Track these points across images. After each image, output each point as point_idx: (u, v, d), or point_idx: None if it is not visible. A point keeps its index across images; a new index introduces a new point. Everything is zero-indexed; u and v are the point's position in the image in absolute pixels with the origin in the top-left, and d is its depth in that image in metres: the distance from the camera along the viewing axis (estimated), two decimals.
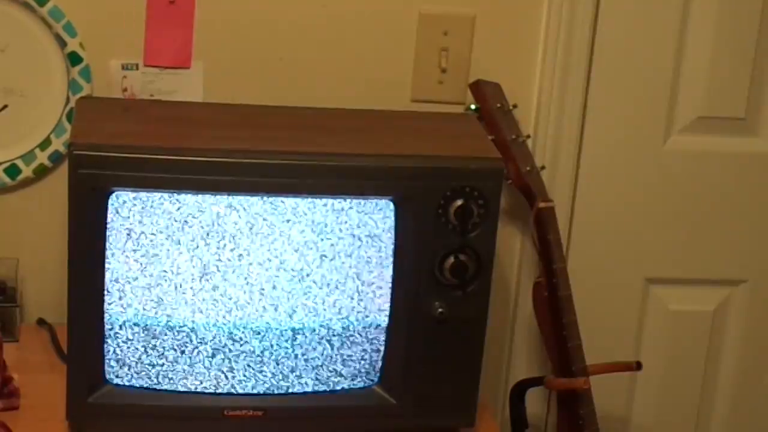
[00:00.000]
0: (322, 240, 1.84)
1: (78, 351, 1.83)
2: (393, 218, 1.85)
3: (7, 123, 2.12)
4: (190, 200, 1.79)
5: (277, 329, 1.87)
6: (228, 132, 1.91)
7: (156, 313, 1.83)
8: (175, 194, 1.78)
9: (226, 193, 1.79)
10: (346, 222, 1.84)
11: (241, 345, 1.87)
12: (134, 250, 1.80)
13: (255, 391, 1.89)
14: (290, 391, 1.90)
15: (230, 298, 1.84)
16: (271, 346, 1.87)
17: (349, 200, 1.83)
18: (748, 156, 2.33)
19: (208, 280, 1.83)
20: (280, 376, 1.89)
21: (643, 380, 2.40)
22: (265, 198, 1.80)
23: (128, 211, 1.78)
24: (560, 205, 2.19)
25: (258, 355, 1.87)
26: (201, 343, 1.86)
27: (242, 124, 1.96)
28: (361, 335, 1.90)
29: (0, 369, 1.93)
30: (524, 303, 2.30)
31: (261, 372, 1.88)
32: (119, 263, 1.80)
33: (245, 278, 1.83)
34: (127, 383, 1.86)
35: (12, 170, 2.13)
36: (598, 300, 2.32)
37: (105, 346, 1.83)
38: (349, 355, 1.90)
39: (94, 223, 1.78)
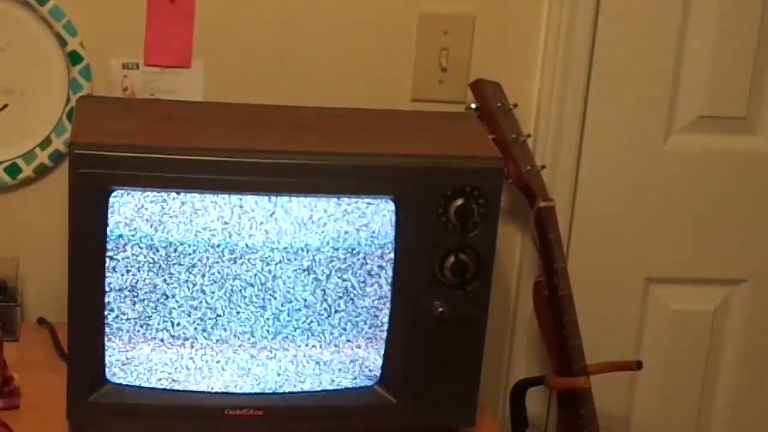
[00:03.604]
0: (321, 239, 1.84)
1: (78, 350, 1.83)
2: (393, 218, 1.85)
3: (7, 122, 2.12)
4: (190, 199, 1.79)
5: (276, 328, 1.87)
6: (228, 131, 1.91)
7: (156, 312, 1.83)
8: (175, 193, 1.78)
9: (227, 192, 1.79)
10: (346, 221, 1.84)
11: (241, 344, 1.87)
12: (135, 249, 1.80)
13: (255, 391, 1.89)
14: (290, 391, 1.90)
15: (230, 297, 1.84)
16: (271, 345, 1.87)
17: (349, 200, 1.83)
18: (748, 156, 2.33)
19: (208, 279, 1.83)
20: (280, 376, 1.89)
21: (643, 380, 2.40)
22: (264, 197, 1.80)
23: (128, 210, 1.78)
24: (560, 204, 2.19)
25: (258, 355, 1.87)
26: (201, 342, 1.85)
27: (242, 123, 1.96)
28: (361, 334, 1.90)
29: (0, 368, 1.93)
30: (524, 302, 2.30)
31: (261, 372, 1.88)
32: (119, 262, 1.80)
33: (245, 277, 1.83)
34: (127, 383, 1.86)
35: (12, 169, 2.13)
36: (599, 299, 2.32)
37: (105, 345, 1.83)
38: (349, 355, 1.90)
39: (94, 222, 1.78)
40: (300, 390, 1.91)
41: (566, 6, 2.19)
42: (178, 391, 1.87)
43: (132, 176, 1.77)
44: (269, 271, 1.84)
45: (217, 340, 1.86)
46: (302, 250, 1.83)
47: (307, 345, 1.88)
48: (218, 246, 1.81)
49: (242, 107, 2.04)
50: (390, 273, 1.87)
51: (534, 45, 2.23)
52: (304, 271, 1.85)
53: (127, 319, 1.83)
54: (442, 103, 2.20)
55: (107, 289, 1.81)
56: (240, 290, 1.84)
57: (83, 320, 1.81)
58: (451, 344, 1.90)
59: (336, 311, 1.88)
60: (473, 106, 2.14)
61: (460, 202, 1.84)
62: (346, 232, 1.84)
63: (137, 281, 1.81)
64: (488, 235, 1.88)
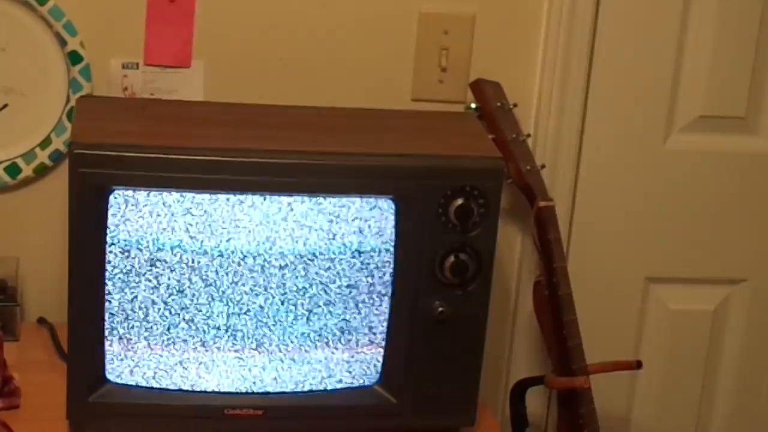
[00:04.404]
0: (321, 239, 1.84)
1: (78, 350, 1.83)
2: (393, 217, 1.85)
3: (7, 122, 2.12)
4: (190, 199, 1.79)
5: (276, 328, 1.87)
6: (228, 131, 1.91)
7: (156, 311, 1.83)
8: (175, 193, 1.78)
9: (227, 192, 1.79)
10: (346, 221, 1.84)
11: (242, 344, 1.87)
12: (135, 249, 1.80)
13: (255, 391, 1.89)
14: (290, 390, 1.90)
15: (230, 297, 1.84)
16: (271, 344, 1.87)
17: (349, 199, 1.83)
18: (748, 156, 2.33)
19: (208, 279, 1.83)
20: (280, 375, 1.89)
21: (643, 379, 2.40)
22: (265, 197, 1.80)
23: (129, 210, 1.78)
24: (560, 204, 2.19)
25: (258, 355, 1.87)
26: (201, 342, 1.86)
27: (242, 123, 1.96)
28: (361, 334, 1.90)
29: (0, 368, 1.93)
30: (524, 302, 2.30)
31: (261, 371, 1.88)
32: (119, 262, 1.80)
33: (245, 276, 1.83)
34: (127, 382, 1.86)
35: (12, 169, 2.13)
36: (599, 299, 2.32)
37: (105, 345, 1.83)
38: (349, 355, 1.90)
39: (94, 222, 1.78)
40: (300, 390, 1.91)
41: (566, 6, 2.19)
42: (178, 391, 1.87)
43: (132, 176, 1.77)
44: (269, 272, 1.84)
45: (217, 340, 1.86)
46: (302, 250, 1.83)
47: (307, 345, 1.88)
48: (218, 246, 1.81)
49: (242, 107, 2.04)
50: (390, 273, 1.87)
51: (534, 45, 2.23)
52: (304, 271, 1.85)
53: (127, 319, 1.83)
54: (442, 103, 2.20)
55: (107, 288, 1.81)
56: (240, 290, 1.84)
57: (83, 320, 1.81)
58: (451, 344, 1.90)
59: (336, 311, 1.88)
60: (473, 106, 2.14)
61: (460, 202, 1.84)
62: (345, 232, 1.84)
63: (137, 281, 1.81)
64: (488, 235, 1.88)
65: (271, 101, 2.09)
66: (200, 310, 1.84)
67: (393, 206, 1.85)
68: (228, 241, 1.81)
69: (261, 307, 1.85)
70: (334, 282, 1.86)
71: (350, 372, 1.91)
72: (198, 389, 1.88)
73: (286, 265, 1.84)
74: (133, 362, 1.85)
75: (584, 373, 2.10)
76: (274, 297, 1.85)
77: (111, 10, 2.11)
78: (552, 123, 2.24)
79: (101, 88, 2.13)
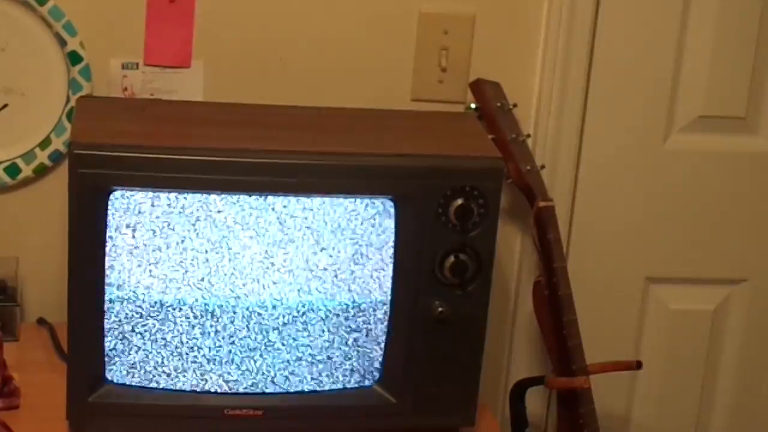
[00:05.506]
0: (321, 239, 1.84)
1: (78, 350, 1.83)
2: (393, 217, 1.85)
3: (7, 122, 2.12)
4: (190, 199, 1.79)
5: (277, 328, 1.87)
6: (228, 131, 1.91)
7: (157, 312, 1.83)
8: (175, 193, 1.78)
9: (227, 192, 1.79)
10: (345, 221, 1.84)
11: (241, 345, 1.87)
12: (134, 250, 1.80)
13: (255, 391, 1.89)
14: (290, 390, 1.90)
15: (231, 298, 1.84)
16: (272, 345, 1.87)
17: (349, 199, 1.83)
18: (748, 156, 2.33)
19: (208, 280, 1.83)
20: (280, 376, 1.89)
21: (643, 380, 2.40)
22: (264, 197, 1.80)
23: (128, 211, 1.78)
24: (560, 204, 2.19)
25: (258, 355, 1.87)
26: (201, 342, 1.85)
27: (242, 123, 1.96)
28: (361, 334, 1.90)
29: (0, 368, 1.93)
30: (524, 302, 2.30)
31: (261, 371, 1.88)
32: (119, 263, 1.80)
33: (245, 278, 1.83)
34: (127, 383, 1.86)
35: (12, 169, 2.13)
36: (599, 299, 2.32)
37: (105, 345, 1.83)
38: (349, 355, 1.90)
39: (94, 222, 1.78)
40: (300, 390, 1.91)
41: (566, 6, 2.19)
42: (178, 391, 1.87)
43: (132, 176, 1.77)
44: (269, 271, 1.84)
45: (218, 340, 1.86)
46: (301, 250, 1.83)
47: (307, 345, 1.88)
48: (218, 246, 1.81)
49: (242, 107, 2.04)
50: (390, 273, 1.87)
51: (534, 45, 2.23)
52: (303, 271, 1.84)
53: (127, 319, 1.83)
54: (442, 103, 2.20)
55: (107, 288, 1.81)
56: (240, 291, 1.84)
57: (83, 320, 1.81)
58: (451, 344, 1.90)
59: (335, 311, 1.88)
60: (473, 106, 2.14)
61: (460, 202, 1.84)
62: (345, 232, 1.84)
63: (137, 281, 1.81)
64: (488, 235, 1.88)
65: (271, 101, 2.08)
66: (200, 310, 1.84)
67: (393, 206, 1.85)
68: (227, 240, 1.81)
69: (261, 306, 1.85)
70: (334, 281, 1.86)
71: (350, 372, 1.91)
72: (198, 389, 1.88)
73: (286, 265, 1.84)
74: (133, 362, 1.85)
75: (584, 373, 2.10)
76: (274, 296, 1.85)
77: (111, 10, 2.11)
78: (552, 123, 2.24)
79: (101, 88, 2.13)
